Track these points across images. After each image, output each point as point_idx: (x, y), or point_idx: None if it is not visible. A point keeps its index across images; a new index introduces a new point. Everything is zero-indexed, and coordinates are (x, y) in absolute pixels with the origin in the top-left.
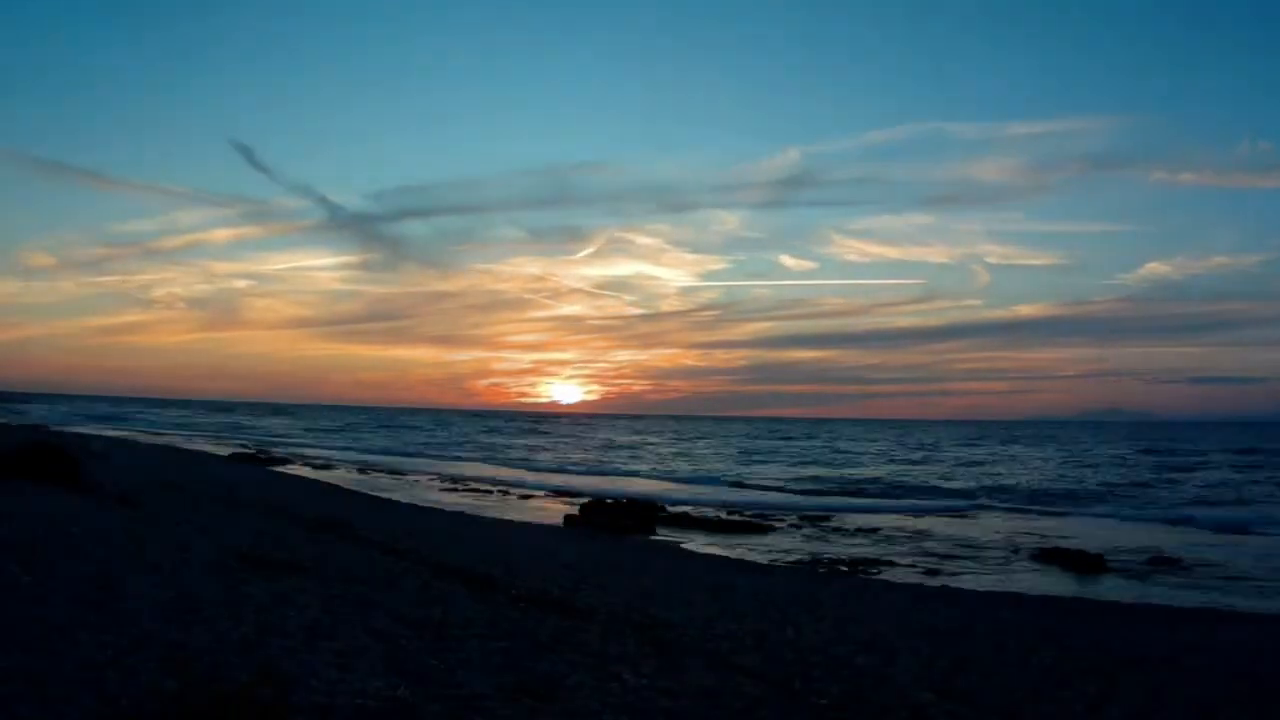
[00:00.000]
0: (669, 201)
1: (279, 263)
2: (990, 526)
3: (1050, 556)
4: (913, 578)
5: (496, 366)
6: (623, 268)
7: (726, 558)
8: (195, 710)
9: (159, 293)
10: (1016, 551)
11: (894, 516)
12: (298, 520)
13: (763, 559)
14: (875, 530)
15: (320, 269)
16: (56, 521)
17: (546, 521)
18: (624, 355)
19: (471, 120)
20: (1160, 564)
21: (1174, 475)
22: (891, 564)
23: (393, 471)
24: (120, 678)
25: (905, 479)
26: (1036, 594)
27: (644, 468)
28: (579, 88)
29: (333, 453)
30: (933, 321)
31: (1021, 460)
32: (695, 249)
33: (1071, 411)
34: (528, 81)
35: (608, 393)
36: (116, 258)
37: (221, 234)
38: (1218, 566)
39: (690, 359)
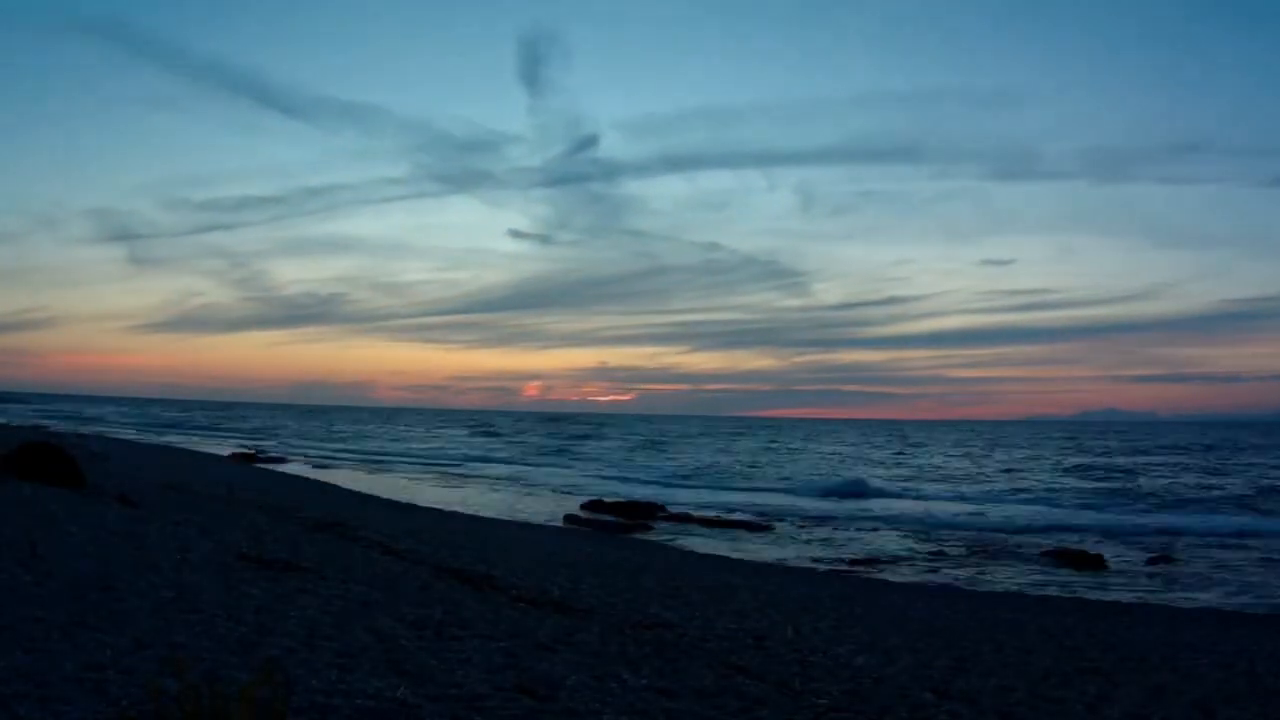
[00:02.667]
0: (1004, 166)
1: (433, 238)
2: (992, 526)
3: (1051, 556)
4: (913, 578)
5: (560, 367)
6: (876, 249)
7: (726, 558)
8: (195, 710)
9: (240, 274)
10: (1017, 551)
11: (893, 516)
12: (298, 520)
13: (763, 559)
14: (876, 530)
15: (487, 252)
16: (56, 521)
17: (546, 521)
18: (726, 357)
19: (797, 35)
20: (1161, 564)
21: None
22: (892, 564)
23: (388, 470)
24: (120, 678)
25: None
26: (1036, 594)
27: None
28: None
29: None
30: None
31: (1055, 461)
32: (985, 227)
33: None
34: None
35: (653, 394)
36: (208, 226)
37: (377, 189)
38: (1219, 566)
39: (809, 357)
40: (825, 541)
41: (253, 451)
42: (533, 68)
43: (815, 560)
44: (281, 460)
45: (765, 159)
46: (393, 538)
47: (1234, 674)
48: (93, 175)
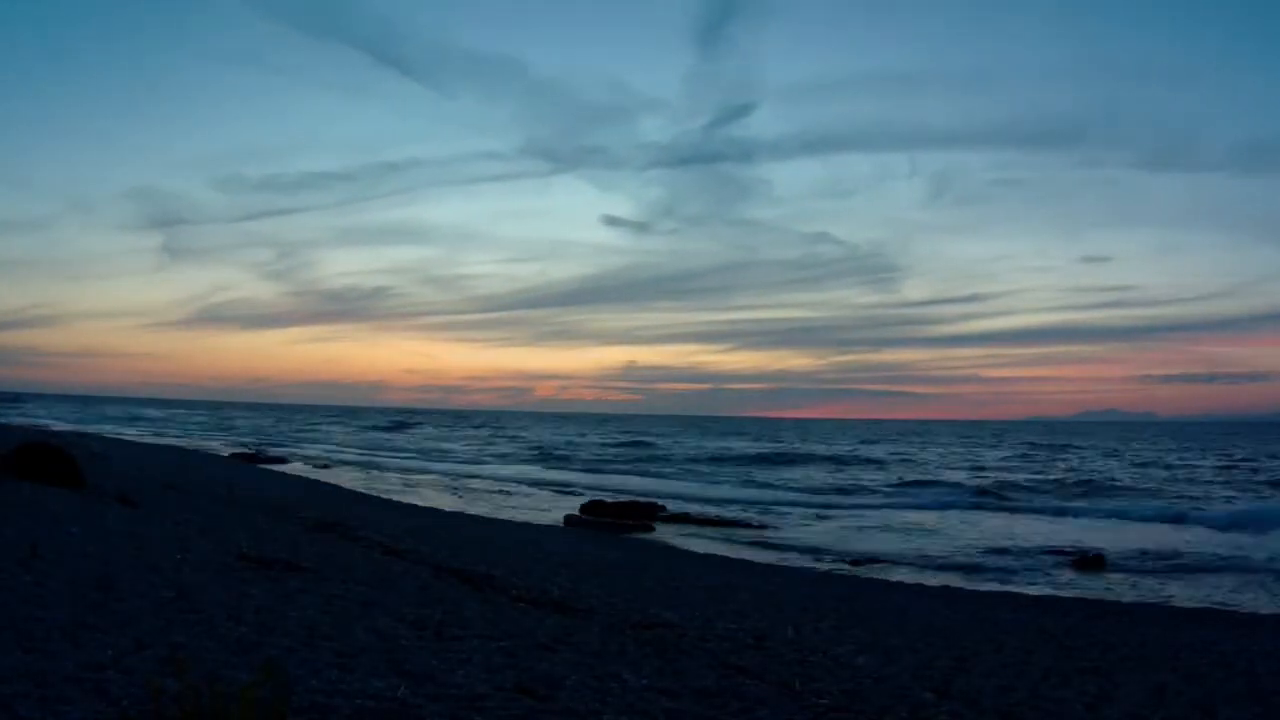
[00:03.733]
0: (1155, 154)
1: (516, 226)
2: (992, 526)
3: (1051, 556)
4: (913, 578)
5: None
6: (985, 243)
7: (726, 557)
8: (195, 710)
9: (284, 265)
10: (1017, 551)
11: (895, 516)
12: (298, 520)
13: (763, 558)
14: (876, 530)
15: (571, 243)
16: (56, 521)
17: (546, 521)
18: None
19: None
20: (1161, 563)
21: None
22: (892, 564)
23: (392, 471)
24: (121, 678)
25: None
26: (1036, 594)
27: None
28: None
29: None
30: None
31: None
32: (1106, 220)
33: None
34: None
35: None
36: (261, 211)
37: (471, 166)
38: (1218, 567)
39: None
40: (826, 541)
41: (253, 451)
42: (717, 21)
43: (815, 560)
44: (281, 460)
45: (912, 140)
46: (393, 538)
47: (1234, 674)
48: (139, 147)
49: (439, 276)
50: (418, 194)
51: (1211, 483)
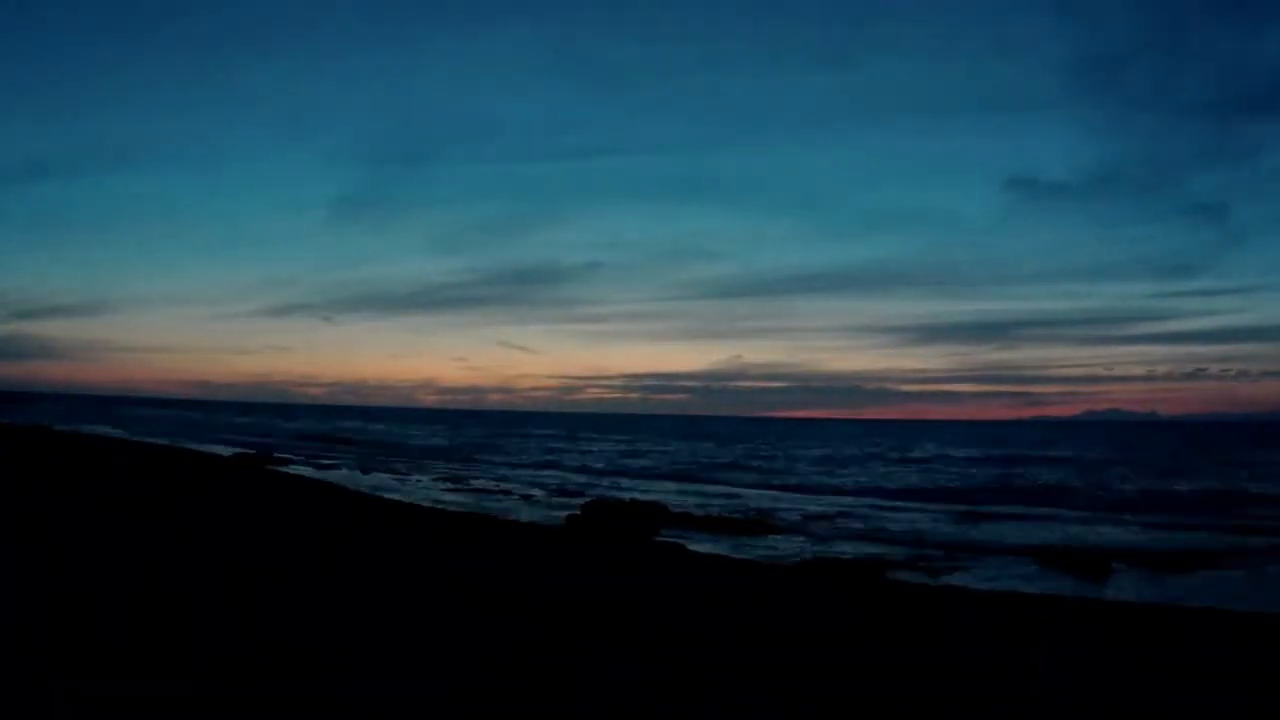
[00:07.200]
0: None
1: (878, 185)
2: (992, 525)
3: (1051, 556)
4: (913, 578)
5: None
6: None
7: (728, 558)
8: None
9: (498, 231)
10: (1018, 551)
11: (895, 516)
12: (299, 521)
13: (764, 559)
14: (877, 530)
15: (923, 214)
16: (60, 522)
17: (547, 522)
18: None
19: None
20: (1162, 564)
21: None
22: (892, 564)
23: (394, 471)
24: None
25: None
26: (1036, 594)
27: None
28: None
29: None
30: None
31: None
32: None
33: None
34: None
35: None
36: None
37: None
38: (1217, 567)
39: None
40: (827, 541)
41: (255, 453)
42: None
43: (816, 560)
44: (284, 461)
45: None
46: (394, 539)
47: (1234, 674)
48: (386, 48)
49: (685, 252)
50: (783, 136)
51: None
